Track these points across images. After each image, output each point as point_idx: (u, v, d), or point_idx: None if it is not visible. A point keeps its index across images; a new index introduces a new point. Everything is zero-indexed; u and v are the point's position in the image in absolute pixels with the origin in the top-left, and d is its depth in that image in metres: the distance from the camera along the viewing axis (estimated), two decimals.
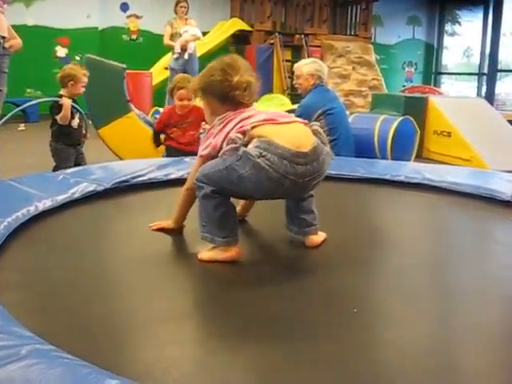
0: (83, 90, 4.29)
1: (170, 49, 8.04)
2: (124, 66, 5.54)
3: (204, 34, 9.00)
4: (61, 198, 2.28)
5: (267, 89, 8.94)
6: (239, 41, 10.75)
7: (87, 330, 1.32)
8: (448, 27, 14.45)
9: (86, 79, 4.27)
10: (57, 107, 4.14)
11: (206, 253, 1.78)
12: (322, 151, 1.73)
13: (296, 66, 4.76)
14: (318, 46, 10.79)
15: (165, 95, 8.09)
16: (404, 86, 12.80)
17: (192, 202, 1.90)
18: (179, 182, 2.65)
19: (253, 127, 1.70)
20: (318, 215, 1.94)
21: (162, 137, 4.38)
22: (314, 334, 1.35)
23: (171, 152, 4.10)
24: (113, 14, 11.00)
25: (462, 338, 1.39)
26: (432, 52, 14.30)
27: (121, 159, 4.85)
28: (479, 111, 7.19)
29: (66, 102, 4.09)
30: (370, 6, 11.55)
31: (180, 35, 7.89)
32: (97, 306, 1.46)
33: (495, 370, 1.23)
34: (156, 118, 5.96)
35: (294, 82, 4.92)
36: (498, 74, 13.14)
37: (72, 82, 4.18)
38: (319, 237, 1.94)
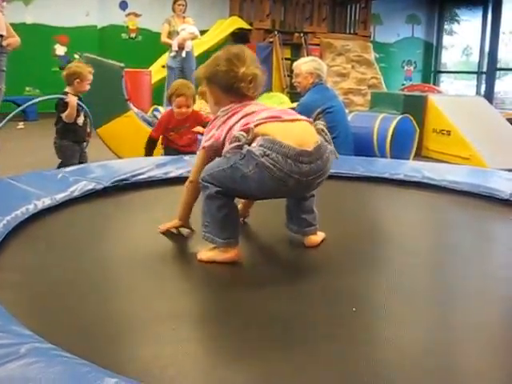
0: (88, 87, 4.30)
1: (168, 47, 8.04)
2: (122, 64, 5.53)
3: (203, 32, 9.01)
4: (60, 196, 2.28)
5: (266, 87, 8.93)
6: (238, 39, 10.74)
7: (86, 328, 1.32)
8: (447, 26, 14.46)
9: (91, 77, 4.28)
10: (62, 105, 4.14)
11: (205, 253, 1.77)
12: (325, 149, 1.71)
13: (295, 64, 4.75)
14: (317, 45, 10.79)
15: (164, 93, 8.10)
16: (403, 85, 12.81)
17: (196, 196, 1.88)
18: (179, 180, 2.66)
19: (256, 125, 1.68)
20: (317, 214, 1.94)
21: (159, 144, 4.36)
22: (314, 334, 1.34)
23: (170, 152, 4.09)
24: (112, 13, 11.00)
25: (461, 337, 1.38)
26: (431, 50, 14.31)
27: (119, 158, 4.84)
28: (478, 110, 7.19)
29: (73, 100, 4.10)
30: (370, 4, 11.56)
31: (177, 33, 7.89)
32: (96, 305, 1.46)
33: (495, 370, 1.23)
34: (155, 115, 5.97)
35: (294, 81, 4.92)
36: (497, 72, 13.14)
37: (78, 80, 4.19)
38: (318, 237, 1.94)
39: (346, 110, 5.17)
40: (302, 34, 10.78)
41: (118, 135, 5.41)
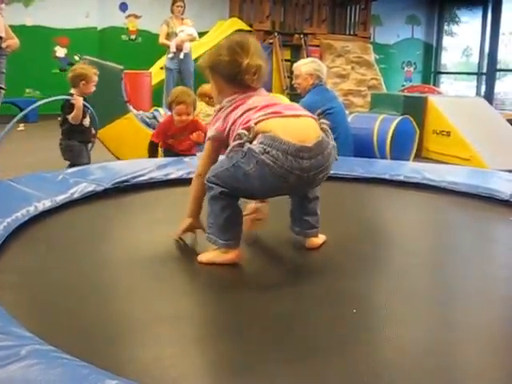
0: (94, 88, 4.30)
1: (166, 48, 8.04)
2: (121, 67, 5.54)
3: (203, 33, 9.02)
4: (60, 198, 2.28)
5: (266, 88, 8.91)
6: None
7: (87, 330, 1.32)
8: (447, 27, 14.47)
9: (96, 78, 4.30)
10: (68, 106, 4.15)
11: (205, 255, 1.77)
12: (327, 145, 1.70)
13: (295, 65, 4.76)
14: (317, 46, 10.80)
15: (163, 95, 8.11)
16: (403, 86, 12.81)
17: (204, 190, 1.82)
18: (179, 181, 2.67)
19: (258, 122, 1.67)
20: (320, 217, 1.94)
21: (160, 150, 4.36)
22: (314, 334, 1.35)
23: (170, 156, 4.09)
24: (112, 14, 11.01)
25: (461, 337, 1.39)
26: (431, 51, 14.32)
27: (119, 160, 4.84)
28: (478, 111, 7.19)
29: (79, 102, 4.10)
30: (369, 5, 11.57)
31: (176, 35, 7.89)
32: (96, 307, 1.46)
33: (495, 370, 1.23)
34: (155, 116, 5.97)
35: (293, 82, 4.93)
36: (497, 73, 13.15)
37: (84, 82, 4.20)
38: (319, 239, 1.94)
39: (346, 111, 5.18)
40: (301, 36, 10.79)
41: (117, 137, 5.41)
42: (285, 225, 1.98)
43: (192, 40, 8.04)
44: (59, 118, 4.37)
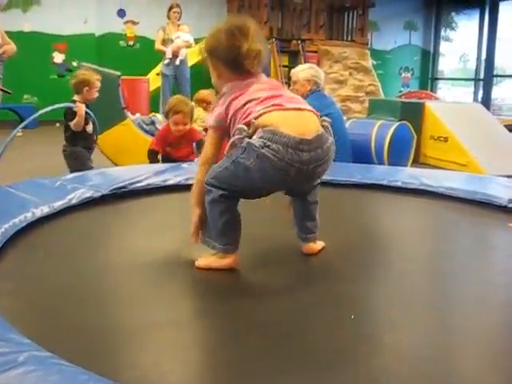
0: (97, 94, 4.30)
1: (162, 54, 8.04)
2: (119, 73, 5.53)
3: (201, 39, 9.03)
4: (58, 204, 2.28)
5: None
6: None
7: (85, 336, 1.32)
8: (444, 33, 14.51)
9: (99, 84, 4.29)
10: (71, 113, 4.15)
11: (203, 260, 1.77)
12: (326, 140, 1.71)
13: (293, 71, 4.76)
14: (315, 52, 10.81)
15: (160, 100, 8.11)
16: (401, 92, 12.83)
17: None
18: (177, 187, 2.67)
19: (259, 116, 1.66)
20: (319, 222, 1.94)
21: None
22: (313, 339, 1.35)
23: (168, 162, 4.08)
24: (110, 20, 11.02)
25: (460, 342, 1.39)
26: (428, 57, 14.35)
27: (117, 166, 4.84)
28: (476, 116, 7.21)
29: (81, 109, 4.10)
30: (367, 11, 11.59)
31: (172, 41, 7.89)
32: (94, 313, 1.46)
33: (493, 375, 1.23)
34: (153, 121, 5.97)
35: (291, 88, 4.92)
36: (494, 79, 13.18)
37: (87, 88, 4.20)
38: (317, 245, 1.94)
39: (344, 117, 5.19)
40: (299, 41, 10.81)
41: (115, 143, 5.41)
42: (283, 230, 1.98)
43: (188, 46, 8.05)
44: (57, 124, 4.37)
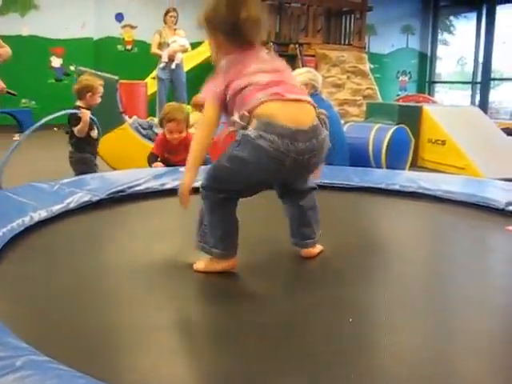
0: (100, 99, 4.30)
1: (158, 58, 8.05)
2: (116, 77, 5.53)
3: (198, 43, 9.03)
4: (56, 208, 2.28)
5: None
6: None
7: (82, 340, 1.32)
8: (441, 36, 14.54)
9: (102, 89, 4.28)
10: (75, 119, 4.14)
11: (201, 263, 1.77)
12: (322, 131, 1.71)
13: None
14: (313, 56, 10.82)
15: (156, 104, 8.11)
16: (398, 95, 12.85)
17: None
18: (175, 191, 2.65)
19: (257, 106, 1.64)
20: (320, 227, 1.94)
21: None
22: (312, 341, 1.35)
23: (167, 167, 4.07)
24: (108, 25, 11.02)
25: (459, 345, 1.39)
26: (426, 61, 14.38)
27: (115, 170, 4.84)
28: (473, 120, 7.21)
29: (86, 116, 4.09)
30: (364, 15, 11.61)
31: (168, 45, 7.89)
32: (92, 317, 1.45)
33: (493, 378, 1.23)
34: (151, 126, 5.96)
35: None
36: (492, 82, 13.21)
37: (90, 94, 4.20)
38: (316, 249, 1.94)
39: (342, 121, 5.19)
40: (296, 45, 10.82)
41: (113, 148, 5.40)
42: (281, 233, 1.98)
43: (184, 51, 8.05)
44: (55, 128, 4.36)
